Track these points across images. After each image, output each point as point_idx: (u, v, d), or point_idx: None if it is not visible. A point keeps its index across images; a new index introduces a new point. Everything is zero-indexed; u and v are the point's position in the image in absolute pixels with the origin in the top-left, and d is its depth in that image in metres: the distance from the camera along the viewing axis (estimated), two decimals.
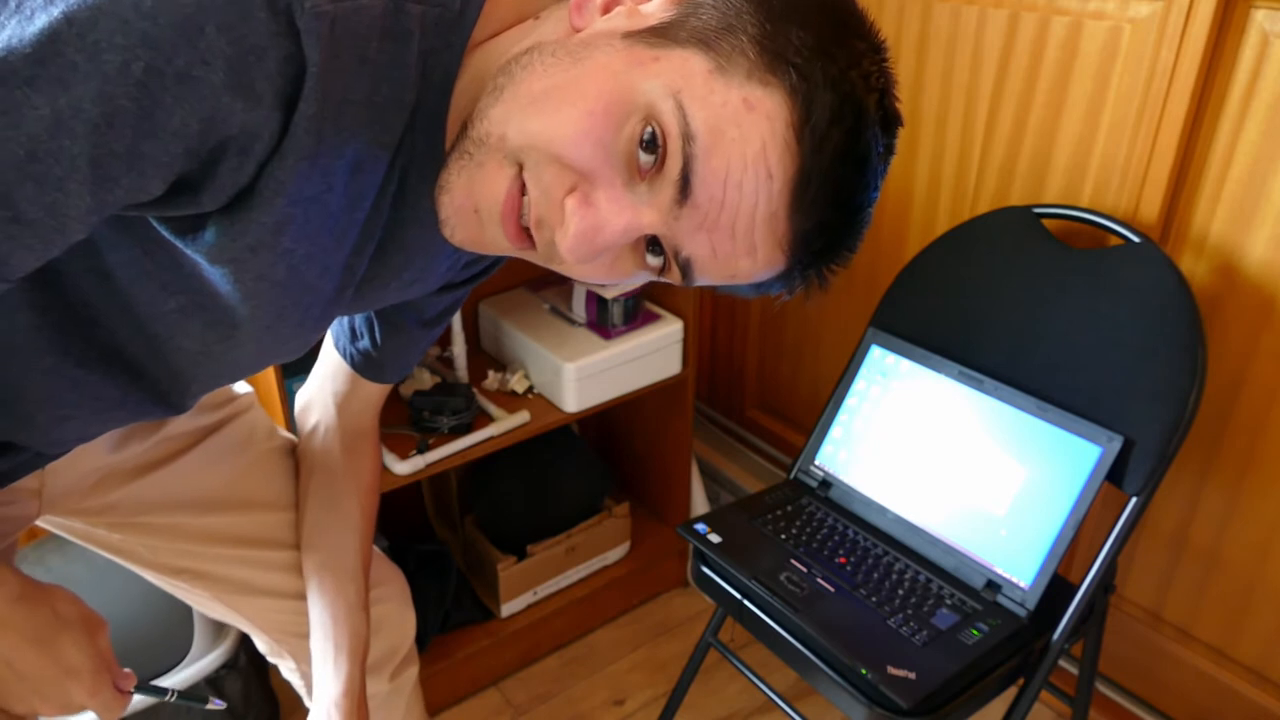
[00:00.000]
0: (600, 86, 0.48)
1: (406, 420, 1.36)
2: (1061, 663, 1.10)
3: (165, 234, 0.51)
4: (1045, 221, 1.17)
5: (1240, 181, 1.05)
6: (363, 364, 0.87)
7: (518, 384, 1.45)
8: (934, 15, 1.30)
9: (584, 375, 1.39)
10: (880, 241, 1.49)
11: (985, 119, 1.28)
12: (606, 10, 0.51)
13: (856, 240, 0.52)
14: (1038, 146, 1.23)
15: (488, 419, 1.38)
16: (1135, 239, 1.07)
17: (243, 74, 0.43)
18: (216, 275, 0.53)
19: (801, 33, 0.47)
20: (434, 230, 0.54)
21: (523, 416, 1.38)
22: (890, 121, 0.50)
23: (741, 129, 0.46)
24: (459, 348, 1.43)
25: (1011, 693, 1.07)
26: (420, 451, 1.28)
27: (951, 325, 1.21)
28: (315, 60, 0.44)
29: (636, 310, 1.48)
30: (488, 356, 1.56)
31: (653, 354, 1.48)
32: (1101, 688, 1.39)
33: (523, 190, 0.50)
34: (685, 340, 1.51)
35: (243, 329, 0.58)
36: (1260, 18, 0.99)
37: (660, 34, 0.48)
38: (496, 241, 0.52)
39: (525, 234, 0.51)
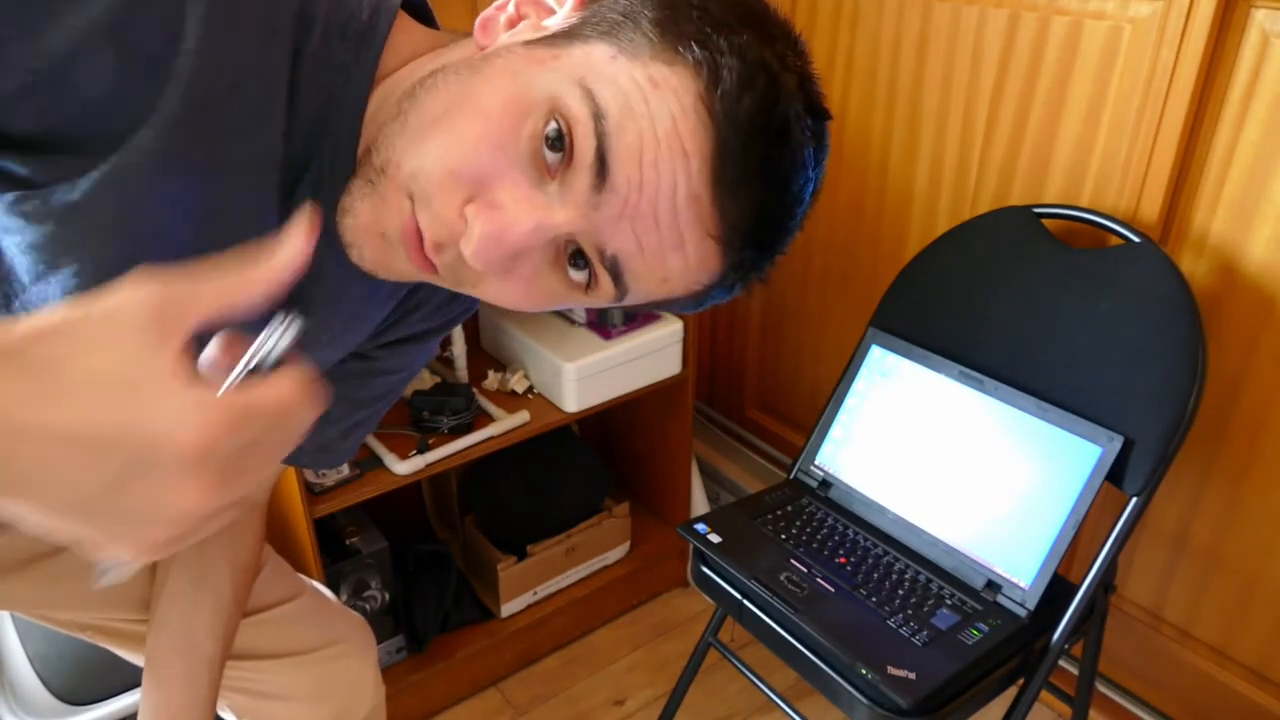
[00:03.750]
0: (496, 88, 0.45)
1: (406, 420, 1.36)
2: (1061, 663, 1.10)
3: None
4: (1045, 221, 1.17)
5: (1240, 181, 1.05)
6: None
7: (518, 384, 1.45)
8: (934, 15, 1.30)
9: (584, 375, 1.39)
10: (880, 241, 1.49)
11: (985, 119, 1.28)
12: (512, 26, 0.50)
13: (792, 222, 0.49)
14: (1038, 146, 1.22)
15: (488, 419, 1.38)
16: (1135, 239, 1.07)
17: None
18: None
19: (701, 14, 0.45)
20: (352, 268, 0.50)
21: (523, 416, 1.38)
22: (815, 106, 0.48)
23: (650, 105, 0.44)
24: (459, 348, 1.43)
25: (1011, 693, 1.07)
26: (420, 451, 1.28)
27: (952, 325, 1.20)
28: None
29: (637, 310, 1.48)
30: (488, 356, 1.56)
31: (652, 354, 1.48)
32: (1101, 688, 1.39)
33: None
34: (685, 340, 1.51)
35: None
36: (1260, 18, 0.99)
37: (561, 36, 0.47)
38: (403, 265, 0.49)
39: (430, 261, 0.48)
